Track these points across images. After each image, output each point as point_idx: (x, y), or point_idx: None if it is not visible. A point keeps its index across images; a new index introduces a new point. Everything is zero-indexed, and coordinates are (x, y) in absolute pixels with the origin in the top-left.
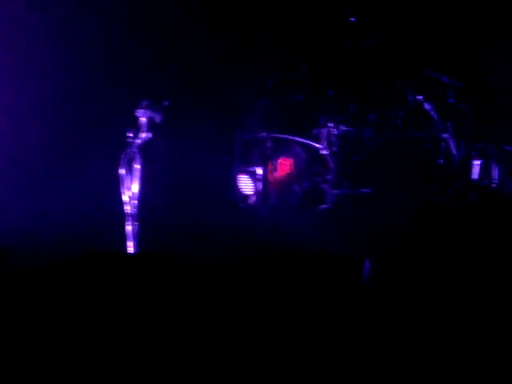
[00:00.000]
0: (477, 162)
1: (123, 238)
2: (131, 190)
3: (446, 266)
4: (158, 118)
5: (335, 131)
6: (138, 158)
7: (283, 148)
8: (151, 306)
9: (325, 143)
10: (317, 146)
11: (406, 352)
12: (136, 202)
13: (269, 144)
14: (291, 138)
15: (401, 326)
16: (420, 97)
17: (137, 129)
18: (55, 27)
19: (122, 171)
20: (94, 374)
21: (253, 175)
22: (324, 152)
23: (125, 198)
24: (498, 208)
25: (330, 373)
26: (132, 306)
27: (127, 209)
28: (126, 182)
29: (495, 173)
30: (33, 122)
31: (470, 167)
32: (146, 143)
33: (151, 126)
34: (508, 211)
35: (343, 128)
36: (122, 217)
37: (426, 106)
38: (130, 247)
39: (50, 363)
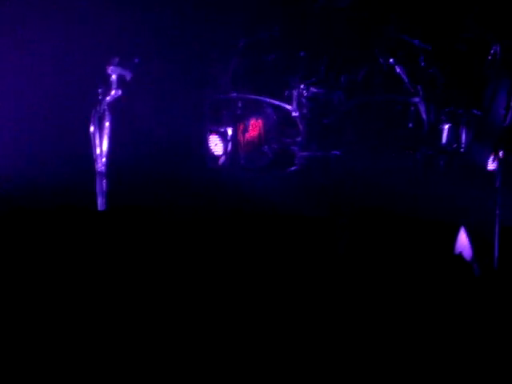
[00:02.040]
0: (446, 126)
1: (94, 195)
2: (101, 147)
3: (413, 230)
4: (128, 76)
5: (306, 93)
6: (107, 115)
7: (254, 109)
8: (122, 259)
9: (295, 105)
10: (287, 107)
11: (379, 318)
12: (105, 159)
13: (239, 104)
14: (262, 98)
15: (373, 290)
16: (391, 60)
17: (107, 86)
18: None
19: (92, 128)
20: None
21: (223, 135)
22: (294, 114)
23: (95, 155)
24: (466, 172)
25: (305, 339)
26: (104, 260)
27: (97, 166)
28: (96, 140)
29: (464, 137)
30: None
31: (439, 131)
32: (116, 101)
33: (121, 83)
34: (475, 176)
35: (314, 90)
36: (92, 174)
37: (397, 69)
38: (101, 204)
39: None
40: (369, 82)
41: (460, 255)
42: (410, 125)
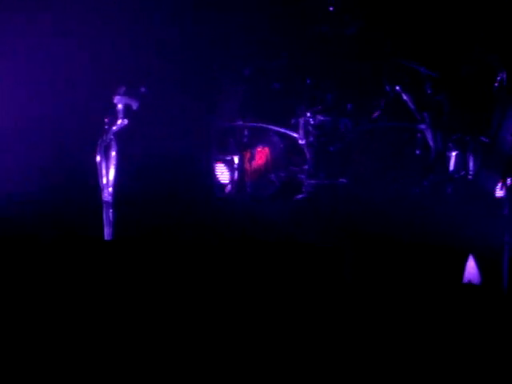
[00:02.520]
0: (453, 153)
1: (101, 225)
2: (107, 177)
3: (422, 257)
4: (134, 105)
5: (312, 121)
6: (114, 144)
7: (260, 137)
8: (128, 289)
9: (302, 133)
10: (294, 135)
11: (388, 341)
12: (111, 189)
13: (246, 133)
14: (268, 126)
15: (381, 315)
16: (398, 87)
17: (113, 115)
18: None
19: (99, 158)
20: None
21: (229, 164)
22: (301, 142)
23: (101, 184)
24: (474, 199)
25: (311, 362)
26: (110, 289)
27: (104, 196)
28: (103, 169)
29: (472, 164)
30: (8, 110)
31: (446, 158)
32: (123, 130)
33: (128, 112)
34: (483, 203)
35: (320, 118)
36: (99, 204)
37: (404, 97)
38: (108, 234)
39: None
40: (375, 110)
41: (469, 283)
42: (418, 152)
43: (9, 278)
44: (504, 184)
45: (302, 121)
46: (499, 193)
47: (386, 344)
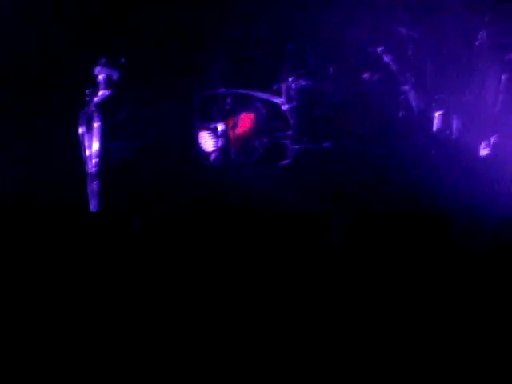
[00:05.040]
0: (437, 114)
1: (86, 197)
2: (91, 149)
3: (408, 220)
4: (115, 76)
5: (295, 86)
6: (96, 116)
7: (243, 104)
8: (115, 261)
9: (285, 98)
10: (277, 101)
11: (376, 312)
12: (96, 160)
13: (228, 100)
14: (251, 93)
15: (368, 282)
16: (379, 49)
17: (94, 87)
18: None
19: (81, 130)
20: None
21: (214, 132)
22: (284, 107)
23: (85, 156)
24: (458, 159)
25: (299, 330)
26: (97, 262)
27: (88, 168)
28: (86, 141)
29: (455, 124)
30: None
31: (430, 119)
32: (104, 101)
33: (109, 83)
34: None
35: (303, 82)
36: (84, 176)
37: (385, 59)
38: (93, 206)
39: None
40: (357, 72)
41: (456, 245)
42: (401, 113)
43: None
44: (488, 143)
45: (284, 86)
46: (483, 152)
47: (374, 315)
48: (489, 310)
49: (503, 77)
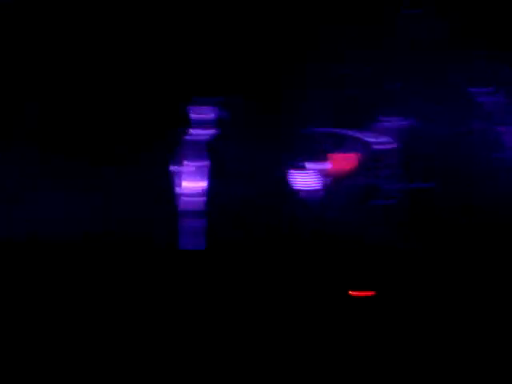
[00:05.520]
0: None
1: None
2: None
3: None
4: (211, 115)
5: (395, 125)
6: (201, 154)
7: (342, 143)
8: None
9: (385, 137)
10: (376, 140)
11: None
12: (201, 198)
13: (327, 138)
14: (351, 133)
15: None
16: (483, 89)
17: (188, 125)
18: None
19: (173, 168)
20: None
21: (312, 171)
22: (384, 146)
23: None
24: None
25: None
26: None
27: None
28: (177, 179)
29: None
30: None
31: None
32: (211, 139)
33: (204, 122)
34: None
35: (404, 121)
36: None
37: (489, 99)
38: (192, 244)
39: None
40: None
41: None
42: (501, 154)
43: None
44: None
45: (384, 125)
46: None
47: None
48: None
49: None
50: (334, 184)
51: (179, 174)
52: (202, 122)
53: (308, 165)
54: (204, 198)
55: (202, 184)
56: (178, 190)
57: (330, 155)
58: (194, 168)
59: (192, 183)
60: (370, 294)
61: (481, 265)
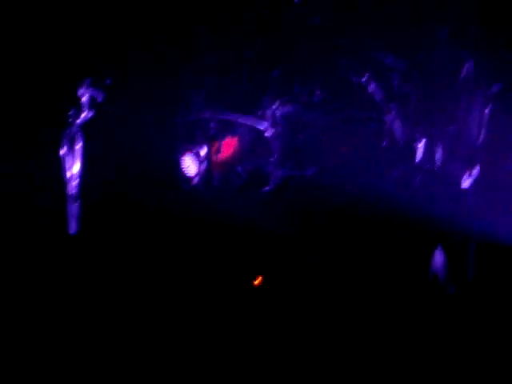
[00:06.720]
0: (420, 145)
1: (66, 219)
2: (72, 170)
3: (390, 247)
4: (99, 97)
5: (279, 112)
6: (79, 137)
7: (227, 128)
8: (93, 282)
9: (269, 124)
10: (261, 126)
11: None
12: (77, 181)
13: (212, 124)
14: (235, 118)
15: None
16: (364, 78)
17: (78, 108)
18: None
19: (63, 151)
20: None
21: (196, 156)
22: (267, 133)
23: (66, 177)
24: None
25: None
26: (75, 283)
27: (69, 189)
28: (68, 162)
29: (438, 155)
30: None
31: (413, 149)
32: (88, 122)
33: (93, 104)
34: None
35: (287, 108)
36: (64, 197)
37: (370, 88)
38: (73, 228)
39: None
40: (342, 100)
41: (436, 275)
42: (384, 143)
43: None
44: (469, 175)
45: (268, 112)
46: (465, 184)
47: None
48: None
49: (486, 110)
50: (220, 169)
51: (63, 158)
52: (89, 104)
53: (196, 149)
54: (81, 182)
55: (80, 167)
56: (63, 174)
57: (215, 141)
58: (73, 151)
59: (72, 167)
60: (258, 278)
61: (363, 252)
